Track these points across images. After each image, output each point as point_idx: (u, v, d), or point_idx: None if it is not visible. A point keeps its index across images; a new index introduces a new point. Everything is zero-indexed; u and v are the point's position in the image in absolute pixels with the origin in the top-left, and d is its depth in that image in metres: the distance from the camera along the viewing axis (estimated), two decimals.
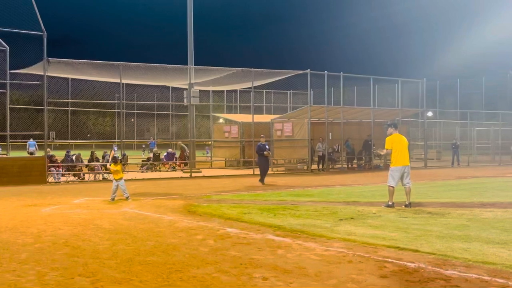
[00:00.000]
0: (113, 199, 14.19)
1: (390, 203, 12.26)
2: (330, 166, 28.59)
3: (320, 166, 28.07)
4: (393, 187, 12.40)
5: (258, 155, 20.70)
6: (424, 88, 32.92)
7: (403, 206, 12.19)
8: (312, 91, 29.83)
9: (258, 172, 20.86)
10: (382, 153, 13.00)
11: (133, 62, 24.04)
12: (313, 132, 27.65)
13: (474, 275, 6.15)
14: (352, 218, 10.63)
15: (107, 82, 29.20)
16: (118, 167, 14.58)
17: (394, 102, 33.64)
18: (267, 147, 20.80)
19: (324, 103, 28.66)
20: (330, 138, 28.50)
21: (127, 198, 14.31)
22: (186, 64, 26.24)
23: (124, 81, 25.11)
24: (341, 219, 10.49)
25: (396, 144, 12.51)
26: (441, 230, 9.05)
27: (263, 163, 20.64)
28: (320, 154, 27.91)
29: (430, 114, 38.24)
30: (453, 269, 6.43)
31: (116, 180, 14.34)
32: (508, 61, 58.34)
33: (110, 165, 14.84)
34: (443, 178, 22.27)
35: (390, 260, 6.96)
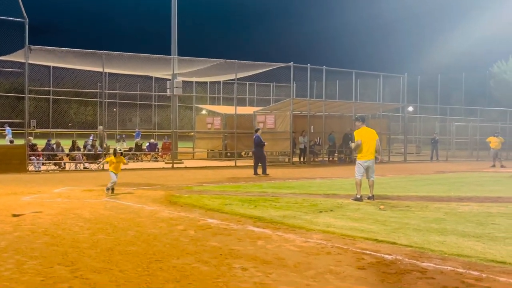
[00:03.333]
0: (112, 190, 13.56)
1: (358, 196, 12.36)
2: (312, 159, 28.72)
3: (302, 159, 28.19)
4: (359, 179, 12.52)
5: (259, 147, 20.70)
6: (405, 83, 33.17)
7: (367, 199, 12.32)
8: (295, 84, 29.85)
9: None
10: (352, 145, 13.08)
11: (116, 51, 23.84)
12: (295, 125, 27.72)
13: (449, 268, 6.25)
14: (331, 211, 10.71)
15: (89, 71, 28.90)
16: (120, 160, 14.11)
17: (376, 97, 33.86)
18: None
19: (306, 96, 28.73)
20: (312, 131, 28.61)
21: (107, 189, 13.61)
22: (170, 54, 26.08)
23: (107, 70, 24.90)
24: (321, 211, 10.57)
25: (364, 137, 12.61)
26: (419, 223, 9.17)
27: (264, 155, 20.90)
28: (302, 146, 28.02)
29: (410, 109, 38.56)
30: (429, 262, 6.53)
31: (116, 173, 13.75)
32: (487, 59, 59.04)
33: (107, 157, 14.55)
34: (422, 173, 22.52)
35: (368, 252, 7.04)
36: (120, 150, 15.95)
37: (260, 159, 20.69)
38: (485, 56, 58.64)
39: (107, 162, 14.71)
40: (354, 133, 12.88)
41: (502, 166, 26.23)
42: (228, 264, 6.38)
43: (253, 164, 20.93)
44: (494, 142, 26.95)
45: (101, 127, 26.66)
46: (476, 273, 6.02)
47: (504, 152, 32.59)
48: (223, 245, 7.40)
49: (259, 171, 20.36)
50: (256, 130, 21.39)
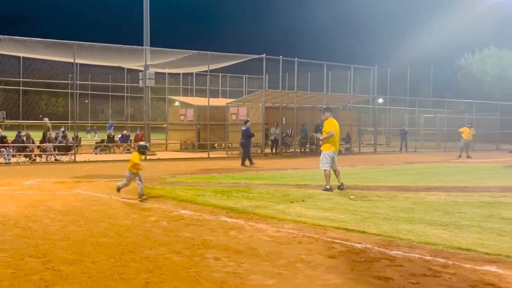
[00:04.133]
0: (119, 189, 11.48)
1: (328, 186, 12.47)
2: (284, 150, 28.83)
3: (274, 150, 28.27)
4: (329, 170, 12.64)
5: (247, 138, 20.83)
6: (375, 76, 33.49)
7: (337, 188, 12.45)
8: (267, 76, 29.89)
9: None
10: (321, 138, 13.16)
11: (88, 41, 23.46)
12: (268, 117, 27.77)
13: (417, 255, 6.37)
14: (303, 201, 10.78)
15: (60, 62, 28.37)
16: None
17: (347, 89, 34.12)
18: None
19: (279, 88, 28.79)
20: (284, 122, 28.70)
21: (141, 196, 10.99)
22: (142, 45, 25.80)
23: (78, 61, 24.45)
24: (292, 202, 10.63)
25: (335, 128, 12.72)
26: (388, 213, 9.31)
27: (249, 146, 21.16)
28: (273, 138, 28.10)
29: (380, 100, 39.03)
30: (398, 250, 6.64)
31: (135, 173, 11.29)
32: (456, 52, 59.97)
33: (134, 156, 11.49)
34: (391, 163, 22.82)
35: (338, 241, 7.12)
36: (145, 144, 12.10)
37: (248, 150, 20.91)
38: (454, 49, 59.55)
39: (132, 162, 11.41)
40: (325, 123, 12.97)
41: (468, 157, 26.73)
42: (201, 254, 6.39)
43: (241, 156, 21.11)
44: (466, 132, 27.42)
45: (46, 118, 26.39)
46: (442, 260, 6.15)
47: (471, 143, 33.26)
48: (195, 236, 7.39)
49: (247, 163, 20.52)
50: (246, 122, 21.48)
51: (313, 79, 36.43)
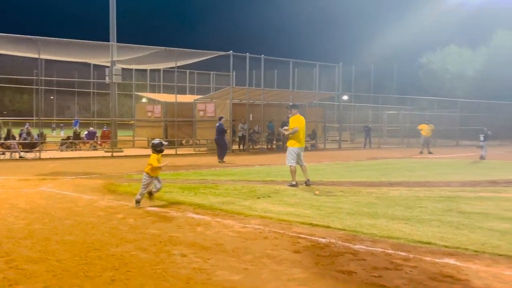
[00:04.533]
0: (138, 202, 9.57)
1: (293, 182, 12.57)
2: (251, 147, 28.87)
3: (241, 147, 28.29)
4: (294, 166, 12.74)
5: (221, 134, 20.86)
6: (340, 73, 33.81)
7: (304, 184, 12.57)
8: (234, 73, 29.85)
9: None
10: (286, 133, 13.27)
11: (53, 36, 22.97)
12: (235, 113, 27.75)
13: (379, 249, 6.47)
14: (269, 196, 10.83)
15: (24, 57, 27.70)
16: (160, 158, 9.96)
17: (313, 86, 34.35)
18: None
19: (246, 84, 28.79)
20: (251, 119, 28.73)
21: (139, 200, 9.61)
22: (108, 41, 25.42)
23: (43, 56, 23.93)
24: (259, 197, 10.67)
25: (300, 125, 12.83)
26: (352, 208, 9.43)
27: (225, 142, 21.42)
28: (241, 134, 28.11)
29: (345, 97, 39.40)
30: (361, 244, 6.74)
31: (155, 177, 9.78)
32: (418, 51, 60.96)
33: (153, 159, 9.75)
34: (356, 159, 23.10)
35: (303, 236, 7.18)
36: (160, 140, 10.28)
37: (223, 146, 20.87)
38: (417, 47, 60.47)
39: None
40: (290, 120, 13.05)
41: (429, 153, 27.27)
42: (168, 251, 6.35)
43: (217, 152, 21.27)
44: (425, 129, 27.96)
45: None
46: (404, 253, 6.26)
47: (433, 139, 33.92)
48: (162, 233, 7.34)
49: (225, 158, 20.61)
50: (220, 118, 21.44)
51: (280, 76, 36.53)
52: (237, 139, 28.59)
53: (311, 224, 7.95)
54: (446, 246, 6.59)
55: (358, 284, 5.12)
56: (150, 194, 9.64)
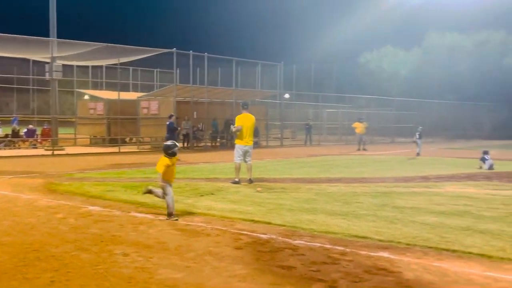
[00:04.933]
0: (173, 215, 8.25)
1: (236, 179, 12.64)
2: (195, 144, 28.71)
3: (185, 144, 28.08)
4: (238, 163, 12.81)
5: (172, 132, 20.50)
6: (281, 72, 34.15)
7: (246, 182, 12.67)
8: (178, 70, 29.59)
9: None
10: (233, 129, 13.38)
11: None
12: (179, 111, 27.49)
13: (318, 244, 6.60)
14: (212, 194, 10.83)
15: None
16: (174, 162, 8.72)
17: (256, 84, 34.56)
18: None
19: (189, 82, 28.59)
20: (195, 117, 28.57)
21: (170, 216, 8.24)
22: (48, 36, 24.56)
23: None
24: (202, 195, 10.65)
25: (244, 123, 12.90)
26: (292, 204, 9.56)
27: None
28: (185, 132, 27.90)
29: (287, 96, 39.83)
30: (300, 239, 6.85)
31: (170, 183, 8.52)
32: (358, 50, 62.32)
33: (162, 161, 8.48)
34: (296, 156, 23.42)
35: (245, 232, 7.22)
36: (174, 143, 8.79)
37: None
38: (356, 47, 61.71)
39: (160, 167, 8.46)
40: (236, 118, 13.13)
41: (363, 149, 27.91)
42: (109, 250, 6.24)
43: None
44: (359, 127, 28.67)
45: None
46: (341, 248, 6.42)
47: (369, 136, 34.84)
48: (104, 232, 7.21)
49: (179, 155, 20.32)
50: (170, 116, 21.19)
51: (223, 74, 36.55)
52: (181, 137, 28.35)
53: (252, 220, 8.01)
54: (380, 240, 6.80)
55: (297, 279, 5.21)
56: (170, 215, 8.18)
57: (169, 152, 8.53)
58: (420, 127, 24.93)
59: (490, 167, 16.74)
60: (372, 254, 6.13)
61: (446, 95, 49.93)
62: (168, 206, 8.29)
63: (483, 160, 17.19)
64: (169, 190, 8.32)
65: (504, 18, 53.23)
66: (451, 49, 54.54)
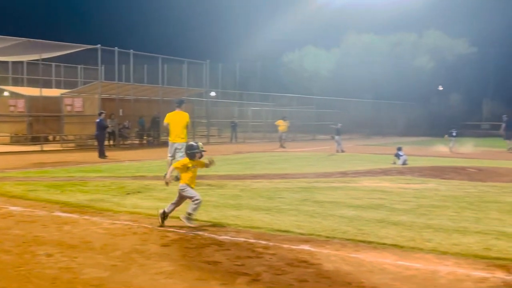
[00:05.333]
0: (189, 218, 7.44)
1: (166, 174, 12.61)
2: (121, 142, 28.07)
3: (111, 142, 27.38)
4: (168, 160, 12.78)
5: (102, 130, 20.13)
6: (207, 70, 34.08)
7: (173, 180, 12.62)
8: (103, 67, 28.78)
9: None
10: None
11: None
12: (104, 108, 26.70)
13: (242, 239, 6.69)
14: (139, 192, 10.67)
15: None
16: (198, 164, 7.95)
17: (182, 82, 34.26)
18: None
19: (115, 79, 27.89)
20: (121, 114, 27.93)
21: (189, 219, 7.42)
22: None
23: None
24: (129, 193, 10.47)
25: (172, 121, 12.85)
26: (218, 200, 9.62)
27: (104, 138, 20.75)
28: (110, 130, 27.19)
29: (213, 94, 39.81)
30: (226, 235, 6.91)
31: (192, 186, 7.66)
32: (281, 50, 63.11)
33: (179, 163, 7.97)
34: (223, 153, 23.47)
35: (172, 229, 7.19)
36: (198, 143, 8.05)
37: (102, 143, 20.30)
38: (280, 46, 62.31)
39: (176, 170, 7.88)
40: (166, 115, 13.12)
41: (281, 146, 28.37)
42: (32, 251, 6.01)
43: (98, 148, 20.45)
44: (282, 125, 29.18)
45: None
46: (264, 242, 6.54)
47: (292, 134, 35.54)
48: (26, 233, 6.93)
49: (107, 153, 19.93)
50: (100, 114, 20.55)
51: (150, 71, 35.95)
52: (107, 135, 27.61)
53: (179, 217, 7.96)
54: (302, 234, 7.00)
55: (222, 273, 5.26)
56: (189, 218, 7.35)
57: (188, 152, 7.84)
58: (340, 125, 25.72)
59: (404, 163, 17.59)
60: (294, 247, 6.29)
61: (364, 94, 51.79)
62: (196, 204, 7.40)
63: (397, 156, 18.04)
64: (192, 191, 7.49)
65: (415, 21, 55.96)
66: (368, 50, 56.56)
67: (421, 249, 6.20)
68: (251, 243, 6.48)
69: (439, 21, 56.47)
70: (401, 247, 6.34)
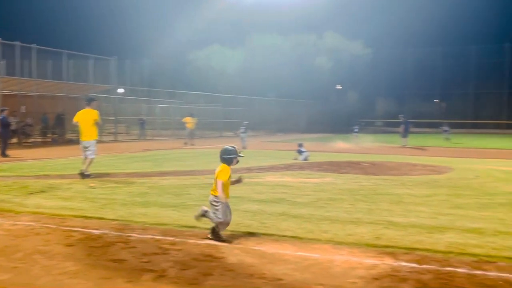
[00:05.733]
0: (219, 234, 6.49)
1: (86, 173, 12.31)
2: (23, 140, 26.48)
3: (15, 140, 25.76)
4: (82, 157, 12.51)
5: (6, 127, 19.06)
6: (115, 66, 33.07)
7: (78, 174, 12.31)
8: (4, 62, 26.95)
9: None
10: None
11: None
12: (5, 105, 25.04)
13: (149, 236, 6.63)
14: (42, 192, 10.18)
15: None
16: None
17: (88, 78, 32.96)
18: None
19: (16, 75, 26.24)
20: (24, 111, 26.36)
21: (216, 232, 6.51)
22: None
23: None
24: (32, 193, 9.96)
25: (80, 118, 12.56)
26: (125, 198, 9.42)
27: (9, 136, 19.62)
28: (13, 128, 25.57)
29: (121, 91, 38.70)
30: (132, 232, 6.81)
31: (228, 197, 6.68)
32: (188, 47, 62.47)
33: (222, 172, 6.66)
34: (131, 151, 22.94)
35: (76, 229, 6.96)
36: (234, 148, 6.97)
37: (6, 141, 19.13)
38: (187, 44, 61.66)
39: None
40: (77, 114, 12.78)
41: (185, 143, 28.27)
42: None
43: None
44: (190, 122, 29.04)
45: None
46: (171, 238, 6.53)
47: (200, 131, 35.46)
48: None
49: (8, 151, 18.73)
50: (2, 111, 19.14)
51: (55, 67, 34.19)
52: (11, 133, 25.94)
53: (85, 216, 7.74)
54: (207, 229, 7.00)
55: (128, 271, 5.19)
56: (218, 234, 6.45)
57: (225, 157, 6.72)
58: (246, 122, 26.05)
59: (305, 158, 18.20)
60: (199, 242, 6.34)
61: (268, 92, 52.80)
62: (215, 222, 6.49)
63: (299, 152, 18.63)
64: (224, 212, 6.49)
65: (315, 22, 57.99)
66: (271, 50, 57.65)
67: (319, 240, 6.49)
68: (158, 240, 6.44)
69: (338, 23, 58.82)
70: (301, 238, 6.59)
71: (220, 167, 6.63)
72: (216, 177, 6.53)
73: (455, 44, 60.78)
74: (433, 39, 61.57)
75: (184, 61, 60.32)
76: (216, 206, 6.50)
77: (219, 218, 6.43)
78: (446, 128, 34.94)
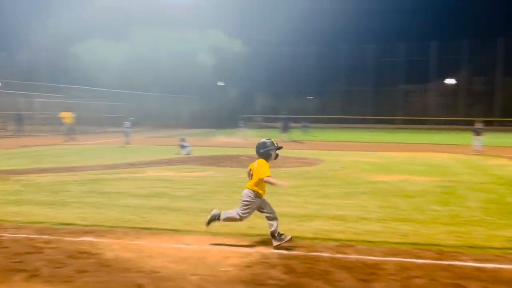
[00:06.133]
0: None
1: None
2: None
3: None
4: None
5: None
6: None
7: None
8: None
9: None
10: None
11: None
12: None
13: (23, 235, 6.28)
14: None
15: None
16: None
17: None
18: None
19: None
20: None
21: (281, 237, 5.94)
22: None
23: None
24: None
25: None
26: None
27: None
28: None
29: None
30: (5, 232, 6.41)
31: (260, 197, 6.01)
32: (70, 40, 58.88)
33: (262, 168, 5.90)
34: (6, 147, 21.26)
35: None
36: (271, 139, 6.15)
37: None
38: (70, 37, 57.98)
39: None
40: None
41: (72, 139, 26.88)
42: None
43: None
44: (67, 117, 27.56)
45: None
46: (46, 236, 6.24)
47: (84, 126, 33.80)
48: None
49: None
50: None
51: None
52: None
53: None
54: (85, 225, 6.84)
55: None
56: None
57: (261, 152, 6.00)
58: (131, 118, 25.34)
59: (188, 153, 18.19)
60: (76, 239, 6.13)
61: (152, 87, 51.78)
62: (225, 217, 6.07)
63: (182, 146, 18.58)
64: (250, 211, 5.99)
65: (198, 20, 57.87)
66: (154, 45, 56.46)
67: (196, 232, 6.57)
68: (32, 239, 6.13)
69: (220, 21, 59.34)
70: (179, 231, 6.63)
71: (258, 163, 5.96)
72: (260, 177, 5.85)
73: (327, 45, 64.84)
74: (307, 39, 65.07)
75: (66, 54, 56.88)
76: (249, 203, 5.96)
77: (240, 214, 5.98)
78: (305, 123, 37.69)
